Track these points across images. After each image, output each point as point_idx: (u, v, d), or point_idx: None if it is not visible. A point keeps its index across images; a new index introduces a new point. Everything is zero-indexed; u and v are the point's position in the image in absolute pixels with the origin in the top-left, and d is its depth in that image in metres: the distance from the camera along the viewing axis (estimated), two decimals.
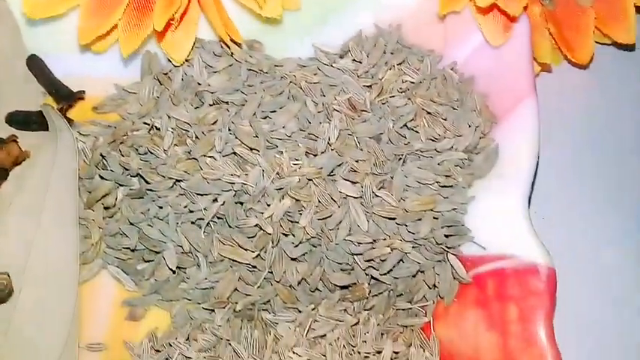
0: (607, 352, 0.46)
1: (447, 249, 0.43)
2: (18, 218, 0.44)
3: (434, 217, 0.42)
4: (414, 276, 0.43)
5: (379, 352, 0.41)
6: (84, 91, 0.48)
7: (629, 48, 0.50)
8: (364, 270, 0.43)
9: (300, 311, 0.43)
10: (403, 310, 0.44)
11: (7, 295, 0.42)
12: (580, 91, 0.50)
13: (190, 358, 0.41)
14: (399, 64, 0.46)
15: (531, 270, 0.40)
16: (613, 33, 0.48)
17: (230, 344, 0.41)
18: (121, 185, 0.46)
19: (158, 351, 0.42)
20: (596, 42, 0.49)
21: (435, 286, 0.43)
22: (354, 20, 0.47)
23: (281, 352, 0.41)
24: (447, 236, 0.42)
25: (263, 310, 0.44)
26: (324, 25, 0.47)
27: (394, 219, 0.42)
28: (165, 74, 0.48)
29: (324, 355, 0.40)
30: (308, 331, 0.42)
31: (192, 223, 0.44)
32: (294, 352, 0.40)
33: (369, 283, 0.43)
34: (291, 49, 0.48)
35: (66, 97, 0.48)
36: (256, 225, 0.43)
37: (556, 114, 0.49)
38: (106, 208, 0.46)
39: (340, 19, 0.47)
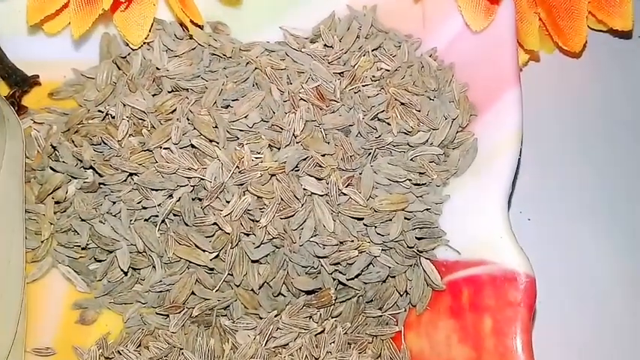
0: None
1: (419, 253, 0.39)
2: None
3: (405, 218, 0.39)
4: (384, 281, 0.40)
5: None
6: (38, 76, 0.45)
7: (626, 35, 0.46)
8: (330, 274, 0.40)
9: (261, 318, 0.40)
10: (373, 317, 0.41)
11: None
12: (571, 83, 0.46)
13: None
14: (374, 49, 0.42)
15: (509, 278, 0.36)
16: (608, 19, 0.44)
17: (183, 354, 0.38)
18: (73, 178, 0.42)
19: (108, 358, 0.39)
20: (590, 28, 0.45)
21: (406, 292, 0.40)
22: (327, 1, 0.44)
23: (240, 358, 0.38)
24: (419, 239, 0.39)
25: (222, 315, 0.41)
26: (295, 6, 0.44)
27: (362, 219, 0.39)
28: (124, 58, 0.44)
29: None
30: (268, 339, 0.39)
31: (147, 220, 0.41)
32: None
33: (335, 289, 0.40)
34: (260, 33, 0.44)
35: (20, 82, 0.45)
36: (214, 223, 0.40)
37: (544, 107, 0.45)
38: (57, 203, 0.42)
39: (311, 0, 0.44)
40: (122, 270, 0.40)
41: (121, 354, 0.38)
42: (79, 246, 0.42)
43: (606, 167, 0.45)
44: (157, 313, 0.40)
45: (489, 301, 0.37)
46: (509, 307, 0.36)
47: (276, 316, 0.40)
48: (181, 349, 0.38)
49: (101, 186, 0.42)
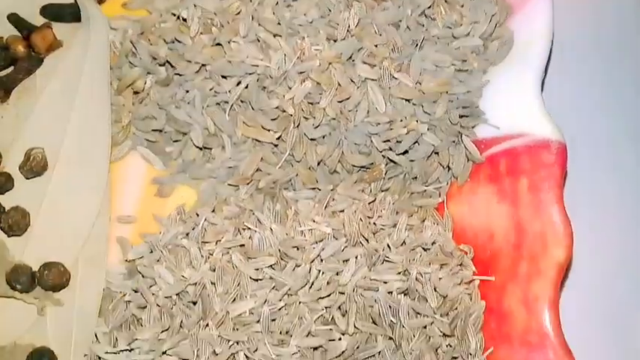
0: None
1: (461, 129, 0.44)
2: (52, 101, 0.46)
3: (449, 100, 0.44)
4: (428, 157, 0.45)
5: (394, 226, 0.43)
6: None
7: None
8: (381, 152, 0.45)
9: (319, 190, 0.45)
10: (418, 192, 0.46)
11: (41, 168, 0.45)
12: None
13: (216, 224, 0.43)
14: None
15: (543, 145, 0.41)
16: None
17: (253, 213, 0.43)
18: (149, 74, 0.48)
19: (185, 222, 0.44)
20: None
21: (449, 167, 0.45)
22: None
23: (301, 221, 0.43)
24: (461, 117, 0.44)
25: (284, 189, 0.46)
26: None
27: (411, 100, 0.44)
28: None
29: (343, 225, 0.42)
30: (327, 206, 0.44)
31: (217, 104, 0.46)
32: (313, 221, 0.42)
33: (385, 165, 0.45)
34: None
35: None
36: (278, 107, 0.45)
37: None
38: (135, 93, 0.48)
39: None
40: (196, 146, 0.46)
41: (198, 215, 0.44)
42: (157, 130, 0.47)
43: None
44: (228, 184, 0.45)
45: (525, 165, 0.42)
46: (544, 168, 0.41)
47: (332, 189, 0.45)
48: (252, 210, 0.43)
49: (175, 78, 0.47)
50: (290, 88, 0.45)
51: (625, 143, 0.51)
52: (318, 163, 0.45)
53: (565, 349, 0.37)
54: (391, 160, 0.45)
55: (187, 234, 0.43)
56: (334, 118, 0.44)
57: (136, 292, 0.42)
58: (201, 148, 0.46)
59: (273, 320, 0.39)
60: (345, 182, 0.45)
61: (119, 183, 0.46)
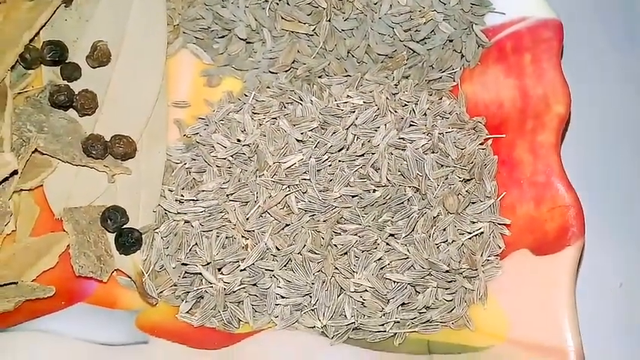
0: None
1: (472, 18, 0.51)
2: (112, 4, 0.53)
3: None
4: (444, 46, 0.52)
5: (416, 104, 0.50)
6: None
7: None
8: (402, 41, 0.52)
9: (350, 76, 0.52)
10: (435, 79, 0.53)
11: (106, 58, 0.51)
12: None
13: (263, 100, 0.49)
14: None
15: (542, 25, 0.48)
16: None
17: (294, 91, 0.50)
18: None
19: (233, 103, 0.51)
20: None
21: (462, 54, 0.52)
22: None
23: (337, 97, 0.49)
24: (472, 6, 0.51)
25: (319, 77, 0.52)
26: None
27: None
28: None
29: (373, 98, 0.49)
30: (357, 87, 0.51)
31: (258, 3, 0.52)
32: (348, 96, 0.49)
33: (406, 54, 0.52)
34: None
35: None
36: (311, 2, 0.51)
37: None
38: None
39: None
40: (241, 39, 0.52)
41: (246, 95, 0.50)
42: (205, 28, 0.54)
43: None
44: (270, 72, 0.52)
45: (528, 43, 0.49)
46: (544, 42, 0.48)
47: (361, 77, 0.52)
48: (293, 90, 0.50)
49: None
50: None
51: None
52: (348, 53, 0.52)
53: (568, 183, 0.44)
54: (411, 50, 0.52)
55: (238, 110, 0.50)
56: (361, 12, 0.51)
57: (194, 160, 0.49)
58: (245, 42, 0.53)
59: (319, 171, 0.46)
60: (371, 70, 0.52)
61: (173, 76, 0.53)
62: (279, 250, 0.45)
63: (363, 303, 0.44)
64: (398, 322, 0.44)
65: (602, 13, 0.58)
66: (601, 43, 0.58)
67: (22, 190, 0.48)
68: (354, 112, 0.49)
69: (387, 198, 0.47)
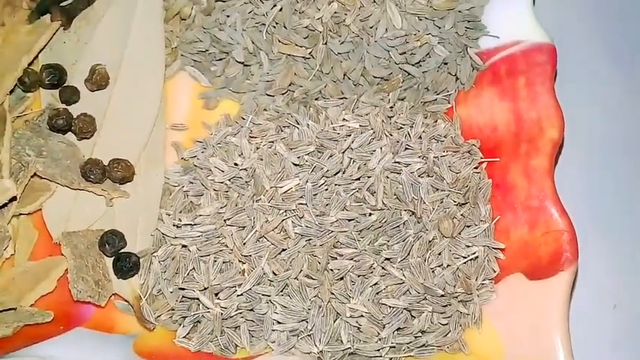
0: None
1: (467, 41, 0.52)
2: (111, 26, 0.53)
3: (457, 14, 0.51)
4: (438, 68, 0.53)
5: (412, 127, 0.51)
6: None
7: None
8: (398, 64, 0.52)
9: (346, 99, 0.52)
10: (430, 101, 0.53)
11: (105, 82, 0.52)
12: None
13: (260, 124, 0.50)
14: None
15: (536, 48, 0.49)
16: None
17: (291, 115, 0.50)
18: (194, 4, 0.55)
19: (232, 125, 0.51)
20: None
21: (456, 76, 0.53)
22: None
23: (332, 121, 0.50)
24: (467, 30, 0.51)
25: (315, 99, 0.53)
26: None
27: (423, 16, 0.51)
28: None
29: (369, 121, 0.49)
30: (354, 110, 0.51)
31: (255, 26, 0.53)
32: (344, 119, 0.50)
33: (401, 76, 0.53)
34: None
35: None
36: (308, 26, 0.52)
37: None
38: (182, 20, 0.55)
39: None
40: (239, 62, 0.53)
41: (243, 119, 0.51)
42: (202, 51, 0.54)
43: None
44: (267, 94, 0.52)
45: (522, 67, 0.49)
46: (537, 66, 0.48)
47: (356, 99, 0.52)
48: (289, 113, 0.51)
49: (217, 5, 0.54)
50: (319, 9, 0.52)
51: None
52: (344, 76, 0.53)
53: (562, 208, 0.45)
54: (407, 72, 0.53)
55: (235, 133, 0.50)
56: (357, 35, 0.52)
57: (192, 183, 0.49)
58: (243, 64, 0.53)
59: (315, 195, 0.46)
60: (367, 92, 0.53)
61: (171, 98, 0.53)
62: (276, 275, 0.45)
63: (359, 328, 0.45)
64: (394, 346, 0.45)
65: (598, 37, 0.59)
66: (596, 65, 0.58)
67: (20, 214, 0.49)
68: (350, 135, 0.49)
69: (383, 222, 0.47)
